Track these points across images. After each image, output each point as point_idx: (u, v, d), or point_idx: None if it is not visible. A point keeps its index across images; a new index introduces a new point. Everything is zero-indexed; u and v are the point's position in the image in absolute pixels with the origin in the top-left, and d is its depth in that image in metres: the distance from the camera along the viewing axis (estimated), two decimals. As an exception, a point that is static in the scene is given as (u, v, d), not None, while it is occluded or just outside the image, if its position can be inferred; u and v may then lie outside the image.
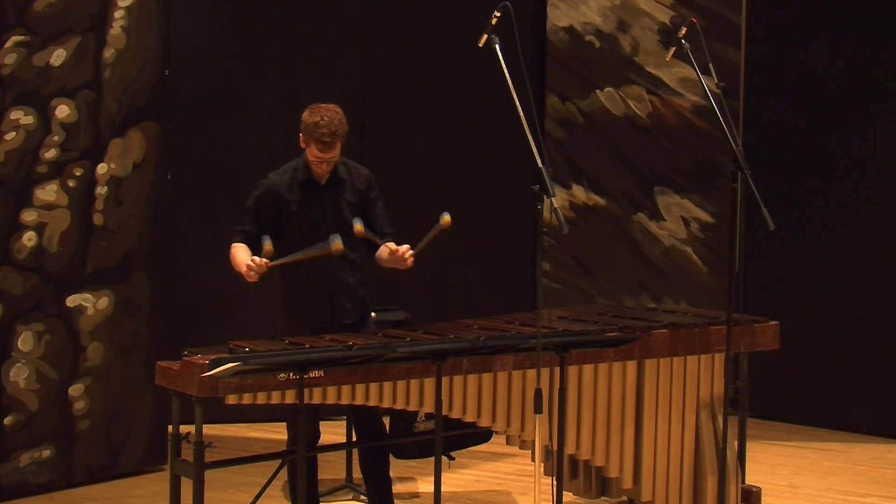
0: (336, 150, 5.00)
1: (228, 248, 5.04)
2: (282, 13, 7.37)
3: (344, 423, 5.95)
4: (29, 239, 5.89)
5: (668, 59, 5.75)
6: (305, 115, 5.00)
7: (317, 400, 4.57)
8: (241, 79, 7.35)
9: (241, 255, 4.97)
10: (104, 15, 6.08)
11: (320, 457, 5.32)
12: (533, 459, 4.58)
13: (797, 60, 7.53)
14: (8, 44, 5.78)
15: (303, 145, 5.03)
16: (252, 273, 4.82)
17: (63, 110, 5.96)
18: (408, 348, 4.46)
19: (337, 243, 4.82)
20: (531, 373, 4.85)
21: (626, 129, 7.59)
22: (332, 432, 5.80)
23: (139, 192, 6.27)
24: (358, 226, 4.96)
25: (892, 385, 7.27)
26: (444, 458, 5.23)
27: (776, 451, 6.98)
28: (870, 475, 6.54)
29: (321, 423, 5.21)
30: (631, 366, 5.16)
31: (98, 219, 6.11)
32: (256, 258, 4.84)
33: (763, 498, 5.57)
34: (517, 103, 4.34)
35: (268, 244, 4.87)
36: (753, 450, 6.48)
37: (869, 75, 7.31)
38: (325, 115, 4.94)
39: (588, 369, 5.06)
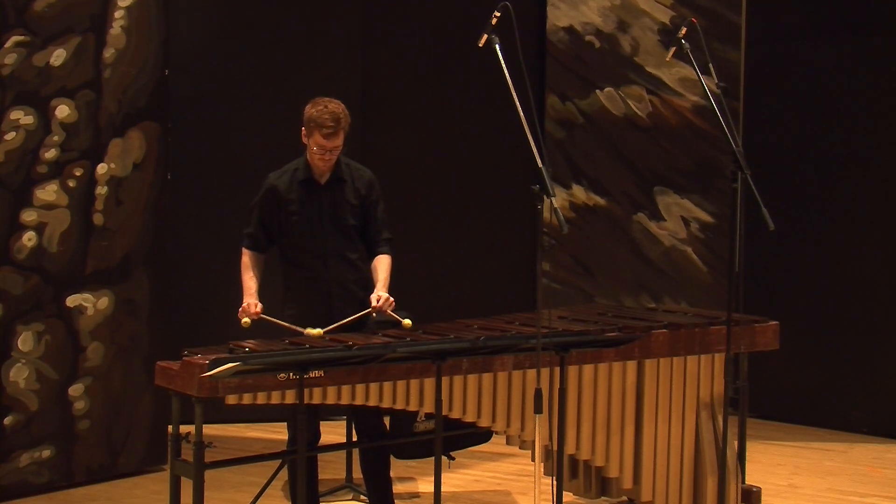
0: (339, 139, 5.00)
1: (240, 251, 5.19)
2: (282, 13, 7.37)
3: (344, 423, 5.95)
4: (29, 239, 5.89)
5: (668, 59, 5.75)
6: (307, 107, 5.02)
7: (317, 400, 4.58)
8: (241, 79, 7.35)
9: (246, 279, 5.12)
10: (104, 15, 6.08)
11: (320, 457, 5.33)
12: (533, 459, 4.58)
13: (797, 60, 7.53)
14: (8, 44, 5.78)
15: (305, 140, 5.04)
16: (246, 319, 4.97)
17: (63, 110, 5.96)
18: (408, 348, 4.46)
19: (317, 331, 4.86)
20: (531, 373, 4.85)
21: (626, 129, 7.58)
22: (332, 432, 5.80)
23: (139, 192, 6.27)
24: (407, 321, 5.03)
25: (892, 385, 7.27)
26: (444, 458, 5.23)
27: (776, 451, 6.98)
28: (870, 475, 6.54)
29: (321, 423, 5.21)
30: (631, 366, 5.16)
31: (98, 219, 6.11)
32: (253, 302, 5.00)
33: (763, 498, 5.58)
34: (517, 103, 4.34)
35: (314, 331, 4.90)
36: (753, 450, 6.48)
37: (869, 75, 7.31)
38: (329, 104, 5.00)
39: (588, 369, 5.06)
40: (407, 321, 4.99)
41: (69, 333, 6.04)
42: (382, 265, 5.14)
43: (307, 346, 4.68)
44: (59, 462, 6.03)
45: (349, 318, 4.98)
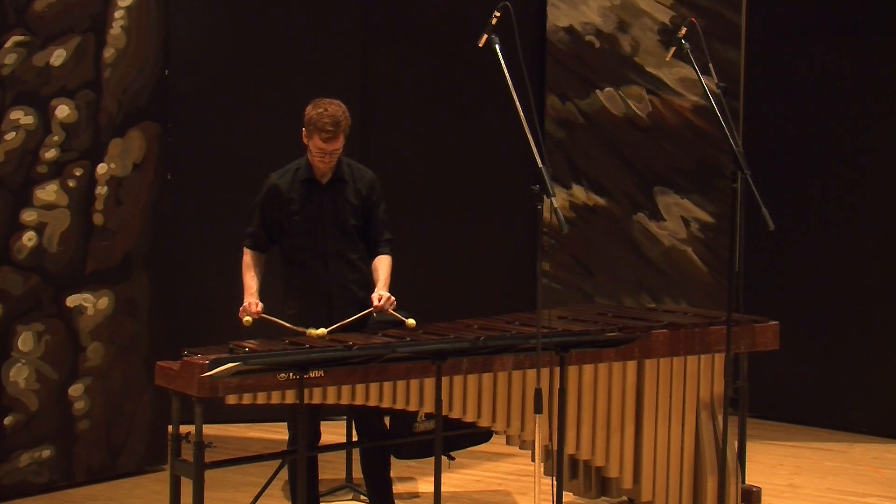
0: (339, 142, 5.00)
1: (241, 251, 5.20)
2: (282, 13, 7.37)
3: (344, 423, 5.95)
4: (29, 239, 5.89)
5: (668, 59, 5.75)
6: (308, 108, 5.02)
7: (317, 400, 4.58)
8: (241, 78, 7.35)
9: (247, 279, 5.13)
10: (104, 15, 6.08)
11: (320, 457, 5.33)
12: (533, 459, 4.58)
13: (797, 60, 7.53)
14: (8, 44, 5.78)
15: (305, 140, 5.04)
16: (247, 318, 4.96)
17: (63, 110, 5.96)
18: (408, 348, 4.46)
19: (319, 331, 4.86)
20: (531, 373, 4.85)
21: (626, 129, 7.59)
22: (332, 432, 5.80)
23: (139, 192, 6.27)
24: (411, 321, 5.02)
25: (892, 385, 7.27)
26: (444, 458, 5.23)
27: (776, 451, 6.98)
28: (870, 475, 6.54)
29: (321, 423, 5.21)
30: (631, 366, 5.16)
31: (98, 219, 6.11)
32: (254, 301, 5.01)
33: (763, 498, 5.58)
34: (517, 103, 4.34)
35: (317, 331, 4.89)
36: (753, 450, 6.48)
37: (869, 75, 7.31)
38: (329, 107, 4.99)
39: (588, 369, 5.06)
40: (411, 321, 4.99)
41: (69, 333, 6.04)
42: (383, 265, 5.14)
43: (307, 346, 4.68)
44: (59, 462, 6.03)
45: (351, 318, 4.98)
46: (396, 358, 4.40)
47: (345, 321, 4.95)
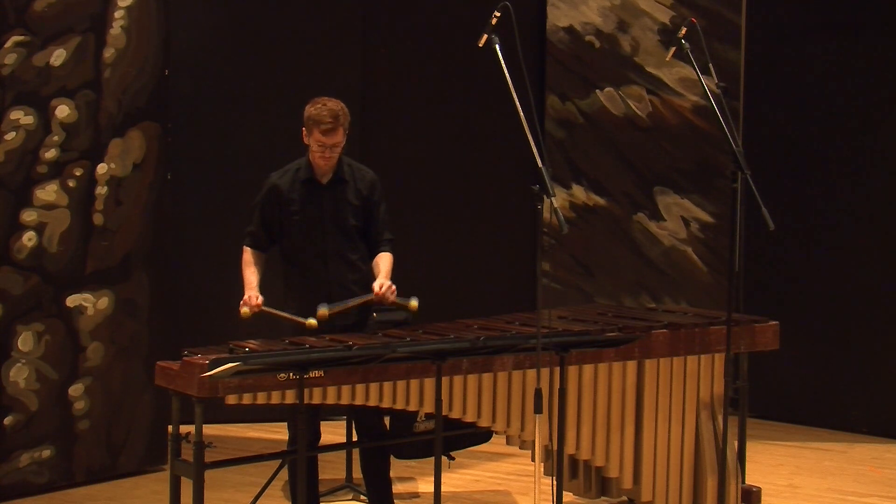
0: (339, 135, 5.01)
1: (240, 250, 5.20)
2: (282, 13, 7.37)
3: (344, 423, 5.95)
4: (29, 239, 5.89)
5: (668, 59, 5.75)
6: (307, 107, 5.05)
7: (317, 400, 4.58)
8: (241, 79, 7.35)
9: (247, 274, 5.13)
10: (104, 15, 6.08)
11: (320, 457, 5.33)
12: (533, 459, 4.58)
13: (797, 60, 7.53)
14: (8, 44, 5.78)
15: (306, 139, 5.05)
16: (245, 309, 4.97)
17: (63, 110, 5.96)
18: (408, 348, 4.46)
19: (313, 321, 4.88)
20: (531, 373, 4.85)
21: (626, 129, 7.59)
22: (332, 432, 5.80)
23: (139, 192, 6.27)
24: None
25: (892, 385, 7.27)
26: (444, 458, 5.23)
27: (776, 451, 6.98)
28: (870, 475, 6.54)
29: (321, 423, 5.21)
30: (631, 366, 5.16)
31: (98, 219, 6.11)
32: (254, 295, 5.02)
33: (763, 498, 5.58)
34: (517, 103, 4.34)
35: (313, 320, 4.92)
36: (753, 450, 6.48)
37: (869, 75, 7.31)
38: (328, 103, 5.03)
39: (588, 369, 5.06)
40: (413, 302, 4.99)
41: (69, 333, 6.04)
42: (384, 260, 5.15)
43: (307, 346, 4.69)
44: (59, 462, 6.03)
45: (357, 301, 4.99)
46: (396, 358, 4.40)
47: (347, 302, 4.96)
